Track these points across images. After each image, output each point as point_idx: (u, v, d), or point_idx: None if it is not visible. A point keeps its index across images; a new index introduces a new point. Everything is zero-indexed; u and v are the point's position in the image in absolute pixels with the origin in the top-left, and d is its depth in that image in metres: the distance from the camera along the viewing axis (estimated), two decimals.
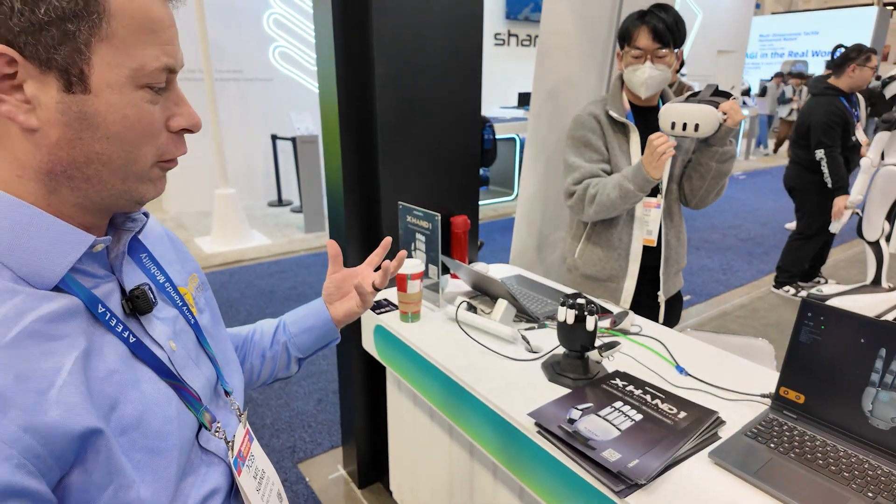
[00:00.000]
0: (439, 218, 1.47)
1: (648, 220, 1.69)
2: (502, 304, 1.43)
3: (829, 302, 3.52)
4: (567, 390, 1.16)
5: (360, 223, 1.75)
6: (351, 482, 2.11)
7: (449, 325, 1.47)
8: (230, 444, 0.66)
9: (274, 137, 6.26)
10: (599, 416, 1.04)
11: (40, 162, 0.50)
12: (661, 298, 1.76)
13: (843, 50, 3.37)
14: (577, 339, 1.19)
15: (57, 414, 0.45)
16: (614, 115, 1.64)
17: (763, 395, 1.14)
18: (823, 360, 1.01)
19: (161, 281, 0.65)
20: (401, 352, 1.45)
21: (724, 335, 1.90)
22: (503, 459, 1.13)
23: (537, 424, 1.03)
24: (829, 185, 3.39)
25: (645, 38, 1.54)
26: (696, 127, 1.48)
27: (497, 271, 1.84)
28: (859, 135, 3.54)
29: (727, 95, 1.55)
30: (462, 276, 1.65)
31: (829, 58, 3.60)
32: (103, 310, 0.54)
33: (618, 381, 1.17)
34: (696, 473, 0.92)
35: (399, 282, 1.46)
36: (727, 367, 1.27)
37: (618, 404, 1.08)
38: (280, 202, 6.63)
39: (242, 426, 0.71)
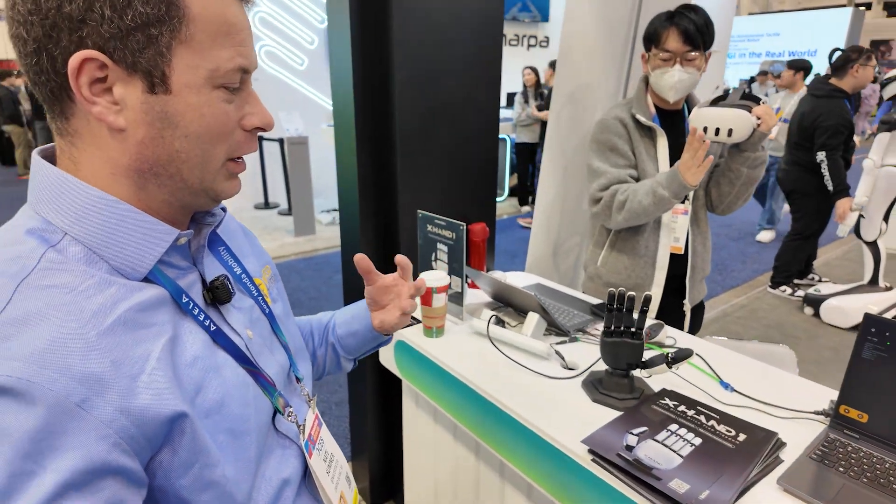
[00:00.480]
0: (464, 228, 1.40)
1: (676, 227, 1.64)
2: (534, 317, 1.36)
3: (828, 301, 3.54)
4: (612, 411, 1.11)
5: (376, 233, 1.67)
6: (362, 500, 2.04)
7: (475, 339, 1.41)
8: (301, 427, 0.69)
9: (260, 138, 6.13)
10: (657, 441, 0.98)
11: (129, 160, 0.53)
12: (687, 307, 1.72)
13: (840, 52, 3.39)
14: (623, 357, 1.13)
15: (147, 398, 0.48)
16: (641, 119, 1.59)
17: (817, 413, 1.10)
18: (889, 377, 0.97)
19: (238, 272, 0.68)
20: (426, 369, 1.38)
21: (743, 342, 1.87)
22: (546, 484, 1.07)
23: (592, 452, 0.97)
24: (830, 188, 3.40)
25: (675, 41, 1.49)
26: (730, 132, 1.43)
27: (515, 280, 1.78)
28: (857, 138, 3.57)
29: (756, 100, 1.51)
30: (483, 286, 1.59)
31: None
32: (187, 299, 0.57)
33: (667, 401, 1.11)
34: (766, 502, 0.87)
35: (423, 295, 1.39)
36: (771, 381, 1.23)
37: (673, 427, 1.02)
38: (267, 205, 6.49)
39: (312, 411, 0.74)
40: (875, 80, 3.57)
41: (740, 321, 3.72)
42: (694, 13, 1.49)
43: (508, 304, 1.57)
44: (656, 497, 0.87)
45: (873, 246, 3.41)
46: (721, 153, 1.63)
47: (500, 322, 1.40)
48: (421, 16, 1.47)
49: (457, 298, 1.48)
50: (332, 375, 0.99)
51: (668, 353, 1.11)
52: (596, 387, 1.17)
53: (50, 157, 0.56)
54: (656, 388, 1.17)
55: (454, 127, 1.61)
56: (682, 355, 1.10)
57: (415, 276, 1.67)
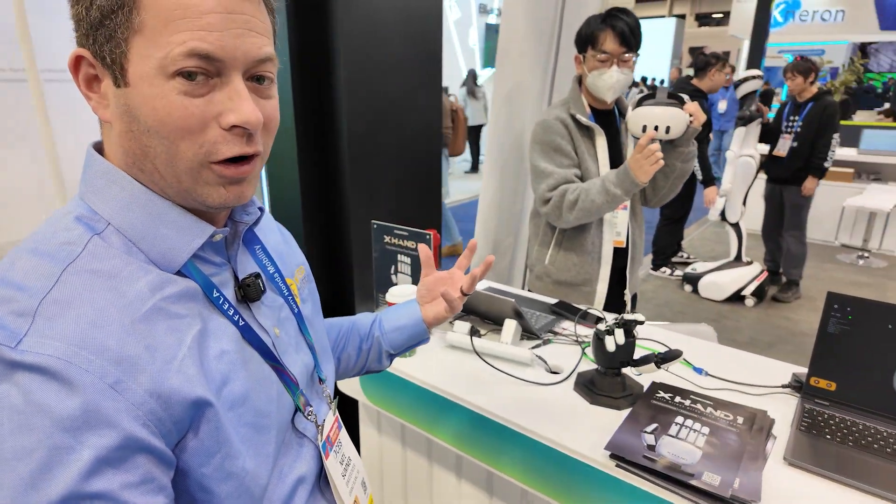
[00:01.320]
0: (431, 237, 1.33)
1: (617, 222, 1.70)
2: (511, 324, 1.33)
3: (704, 278, 3.97)
4: (612, 411, 1.11)
5: (323, 248, 1.52)
6: None
7: (451, 353, 1.34)
8: (320, 427, 0.70)
9: None
10: (672, 436, 0.99)
11: (124, 153, 0.54)
12: (628, 296, 1.80)
13: (702, 56, 3.82)
14: (617, 356, 1.14)
15: (177, 382, 0.50)
16: (581, 118, 1.63)
17: (784, 386, 1.19)
18: (852, 348, 1.07)
19: (271, 272, 0.69)
20: (402, 391, 1.29)
21: (673, 324, 2.01)
22: (563, 495, 1.04)
23: (617, 457, 0.96)
24: (700, 178, 3.82)
25: (612, 43, 1.54)
26: (668, 129, 1.52)
27: None
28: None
29: (680, 99, 1.61)
30: None
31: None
32: (218, 294, 0.58)
33: (662, 394, 1.14)
34: (781, 478, 0.92)
35: None
36: (730, 360, 1.31)
37: (679, 420, 1.04)
38: None
39: (332, 413, 0.75)
40: (728, 86, 4.06)
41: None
42: (626, 15, 1.55)
43: (472, 313, 1.52)
44: (690, 493, 0.88)
45: (736, 227, 3.90)
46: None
47: (475, 332, 1.35)
48: (363, 14, 1.36)
49: None
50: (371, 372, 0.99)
51: (656, 353, 1.14)
52: (590, 388, 1.16)
53: (102, 150, 0.57)
54: (644, 383, 1.19)
55: (400, 129, 1.52)
56: (672, 356, 1.13)
57: (372, 293, 1.55)
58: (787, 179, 3.82)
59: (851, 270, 4.65)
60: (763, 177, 4.05)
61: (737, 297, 3.92)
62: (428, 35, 1.52)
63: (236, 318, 0.59)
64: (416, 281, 1.40)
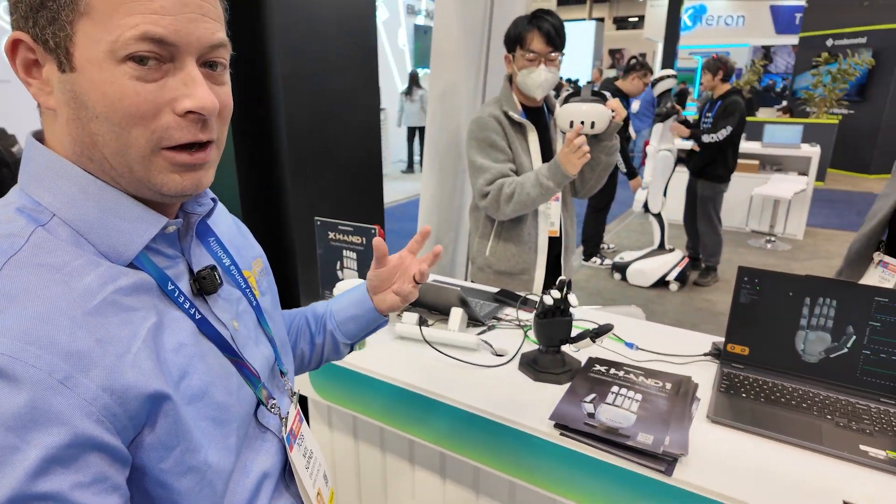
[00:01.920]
0: (376, 231, 1.35)
1: (550, 213, 1.80)
2: (457, 312, 1.38)
3: (632, 266, 4.21)
4: (555, 386, 1.18)
5: (266, 247, 1.51)
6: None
7: (399, 344, 1.37)
8: (284, 420, 0.70)
9: None
10: (609, 404, 1.08)
11: (71, 143, 0.52)
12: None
13: (634, 59, 4.08)
14: (556, 335, 1.22)
15: (132, 376, 0.49)
16: (513, 115, 1.71)
17: (705, 354, 1.31)
18: (761, 316, 1.20)
19: (227, 264, 0.68)
20: (354, 385, 1.31)
21: (606, 307, 2.14)
22: (525, 475, 1.09)
23: (560, 426, 1.03)
24: (624, 171, 4.06)
25: (539, 43, 1.63)
26: (593, 124, 1.62)
27: None
28: (631, 129, 4.35)
29: (603, 96, 1.73)
30: None
31: None
32: (172, 287, 0.57)
33: (598, 367, 1.23)
34: (705, 435, 1.02)
35: None
36: (656, 334, 1.43)
37: (615, 389, 1.13)
38: None
39: (294, 406, 0.75)
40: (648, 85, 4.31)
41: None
42: (551, 16, 1.64)
43: (419, 304, 1.55)
44: (627, 453, 0.96)
45: (658, 217, 4.15)
46: None
47: (423, 322, 1.39)
48: (299, 14, 1.36)
49: None
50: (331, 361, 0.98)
51: (591, 330, 1.22)
52: (533, 367, 1.23)
53: (44, 140, 0.55)
54: (581, 358, 1.28)
55: (340, 127, 1.54)
56: (604, 330, 1.22)
57: (317, 290, 1.55)
58: (698, 172, 4.12)
59: (761, 254, 5.08)
60: (685, 170, 4.34)
61: (662, 283, 4.18)
62: (363, 34, 1.55)
63: (192, 311, 0.58)
64: (362, 275, 1.42)
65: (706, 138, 3.79)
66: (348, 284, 1.31)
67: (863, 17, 8.54)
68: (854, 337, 1.12)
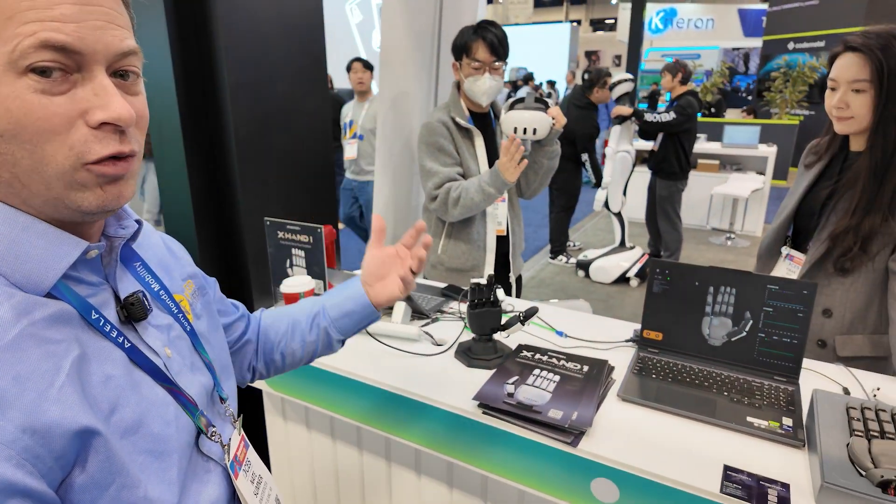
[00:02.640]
0: (322, 230, 1.44)
1: (497, 214, 1.90)
2: (401, 305, 1.47)
3: (594, 263, 4.35)
4: (486, 371, 1.28)
5: (219, 249, 1.59)
6: None
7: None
8: (226, 448, 0.68)
9: None
10: (528, 385, 1.18)
11: None
12: (512, 278, 2.01)
13: (595, 72, 4.23)
14: (487, 324, 1.32)
15: (56, 412, 0.46)
16: (460, 121, 1.81)
17: (627, 340, 1.43)
18: (672, 304, 1.32)
19: (156, 289, 0.65)
20: (304, 376, 1.39)
21: (553, 301, 2.25)
22: (458, 453, 1.18)
23: (483, 406, 1.13)
24: (593, 181, 4.25)
25: (483, 52, 1.73)
26: (535, 131, 1.72)
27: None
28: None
29: (545, 103, 1.84)
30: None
31: None
32: (97, 316, 0.54)
33: (525, 353, 1.33)
34: (614, 411, 1.13)
35: (291, 302, 1.39)
36: (588, 324, 1.54)
37: (536, 372, 1.24)
38: None
39: (238, 432, 0.72)
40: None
41: (535, 289, 4.34)
42: (494, 27, 1.74)
43: None
44: (540, 428, 1.06)
45: (619, 215, 4.30)
46: (526, 150, 1.94)
47: None
48: (246, 27, 1.45)
49: None
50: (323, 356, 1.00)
51: (519, 315, 1.33)
52: (467, 354, 1.33)
53: None
54: (513, 346, 1.38)
55: (289, 131, 1.62)
56: (530, 313, 1.32)
57: (269, 288, 1.63)
58: (656, 170, 4.29)
59: (721, 250, 5.27)
60: (647, 170, 4.50)
61: (623, 279, 4.33)
62: (310, 43, 1.63)
63: (121, 340, 0.55)
64: (311, 272, 1.51)
65: (648, 117, 3.95)
66: (294, 280, 1.40)
67: (821, 22, 8.85)
68: (751, 321, 1.24)
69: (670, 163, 4.13)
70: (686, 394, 1.16)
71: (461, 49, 1.79)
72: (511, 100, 1.87)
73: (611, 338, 1.45)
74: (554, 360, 1.29)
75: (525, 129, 1.74)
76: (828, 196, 1.41)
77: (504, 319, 1.34)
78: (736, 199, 5.32)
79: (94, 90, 0.48)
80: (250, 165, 1.53)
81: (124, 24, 0.52)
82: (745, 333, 1.25)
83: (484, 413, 1.12)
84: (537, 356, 1.31)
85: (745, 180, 5.44)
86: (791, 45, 9.42)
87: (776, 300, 1.22)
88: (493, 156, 1.90)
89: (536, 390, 1.16)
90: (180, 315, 0.68)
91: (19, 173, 0.47)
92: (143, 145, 0.56)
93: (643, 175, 4.69)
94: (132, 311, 0.58)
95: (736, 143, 5.81)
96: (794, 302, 1.20)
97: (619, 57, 20.93)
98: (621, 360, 1.33)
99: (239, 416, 0.76)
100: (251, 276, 1.59)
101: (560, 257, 4.85)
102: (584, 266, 4.44)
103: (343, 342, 0.98)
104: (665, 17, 16.07)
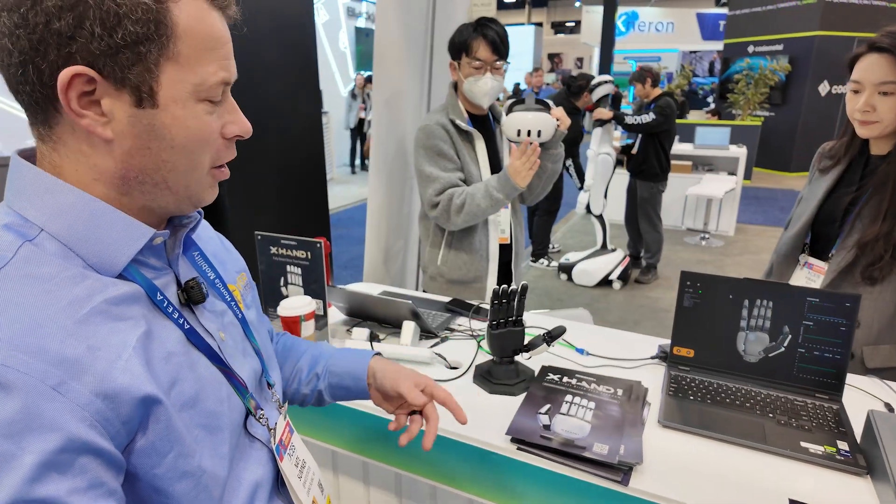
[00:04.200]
0: (321, 245, 1.31)
1: (500, 221, 1.80)
2: (409, 325, 1.35)
3: (577, 266, 4.30)
4: (510, 398, 1.17)
5: None
6: None
7: None
8: (272, 431, 0.71)
9: None
10: (564, 414, 1.08)
11: (115, 168, 0.55)
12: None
13: (578, 80, 4.20)
14: (509, 346, 1.21)
15: (124, 380, 0.50)
16: (460, 124, 1.69)
17: (653, 357, 1.34)
18: (704, 318, 1.24)
19: (211, 277, 0.70)
20: (308, 410, 1.25)
21: (554, 311, 2.16)
22: (484, 491, 1.07)
23: (516, 441, 1.02)
24: (578, 185, 4.22)
25: (485, 51, 1.62)
26: (539, 133, 1.63)
27: (356, 290, 1.72)
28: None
29: (546, 104, 1.74)
30: (339, 301, 1.50)
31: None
32: (161, 297, 0.59)
33: (552, 376, 1.23)
34: (657, 440, 1.04)
35: (289, 326, 1.25)
36: (608, 339, 1.45)
37: (569, 398, 1.13)
38: None
39: (283, 417, 0.76)
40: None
41: None
42: (495, 24, 1.64)
43: (368, 318, 1.51)
44: (583, 464, 0.96)
45: (600, 218, 4.27)
46: None
47: (374, 337, 1.35)
48: (233, 23, 1.30)
49: (319, 322, 1.37)
50: None
51: (543, 334, 1.22)
52: (487, 379, 1.22)
53: (30, 158, 0.57)
54: (534, 367, 1.28)
55: (280, 135, 1.48)
56: (557, 333, 1.22)
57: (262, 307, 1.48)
58: (636, 172, 4.28)
59: (696, 250, 5.32)
60: (626, 172, 4.49)
61: (605, 282, 4.30)
62: (301, 38, 1.49)
63: (181, 321, 0.60)
64: (308, 291, 1.37)
65: (629, 119, 3.94)
66: (293, 302, 1.26)
67: (779, 26, 9.13)
68: (790, 336, 1.17)
69: (651, 164, 4.13)
70: (730, 417, 1.08)
71: (460, 47, 1.68)
72: (509, 101, 1.77)
73: (633, 353, 1.36)
74: (584, 384, 1.19)
75: (529, 132, 1.64)
76: (851, 202, 1.36)
77: (526, 339, 1.24)
78: (710, 199, 5.38)
79: (227, 109, 0.60)
80: (239, 175, 1.37)
81: None
82: (783, 349, 1.18)
83: (518, 449, 1.01)
84: (565, 379, 1.21)
85: (718, 181, 5.51)
86: (751, 49, 9.68)
87: (817, 313, 1.15)
88: (494, 159, 1.80)
89: (574, 420, 1.05)
90: (233, 303, 0.72)
91: (171, 177, 0.57)
92: None
93: (622, 177, 4.68)
94: (191, 295, 0.62)
95: (707, 145, 5.89)
96: (836, 315, 1.13)
97: (581, 59, 21.24)
98: (650, 379, 1.24)
99: (284, 402, 0.79)
100: None
101: (542, 260, 4.80)
102: (567, 269, 4.39)
103: (326, 404, 0.94)
104: (627, 21, 16.35)
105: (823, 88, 8.86)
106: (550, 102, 1.74)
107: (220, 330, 0.66)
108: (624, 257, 4.36)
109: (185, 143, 0.55)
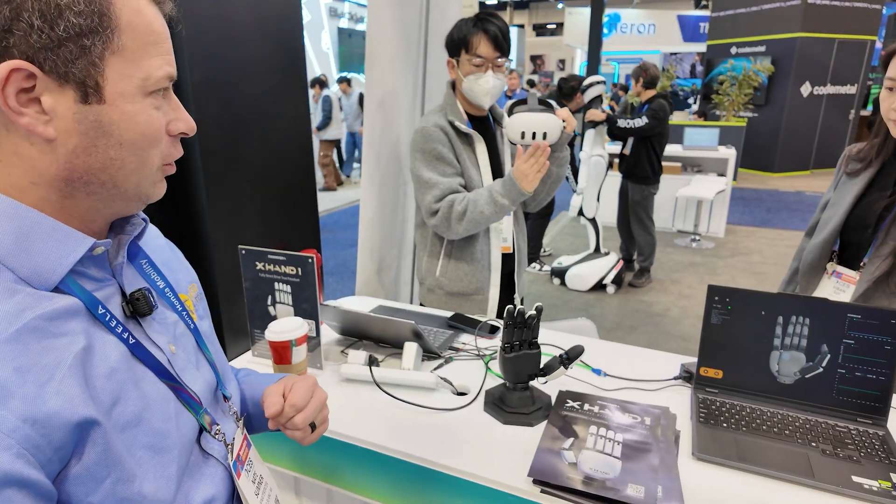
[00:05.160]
0: (314, 260, 1.18)
1: (503, 229, 1.69)
2: (412, 347, 1.23)
3: (570, 270, 4.21)
4: (526, 429, 1.06)
5: None
6: None
7: (345, 388, 1.20)
8: (230, 447, 0.68)
9: None
10: (590, 449, 0.97)
11: (58, 169, 0.52)
12: (517, 300, 1.79)
13: (570, 86, 4.11)
14: (524, 370, 1.10)
15: (56, 404, 0.47)
16: (460, 125, 1.58)
17: (676, 378, 1.24)
18: (733, 336, 1.14)
19: (161, 286, 0.66)
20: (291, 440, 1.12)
21: (556, 322, 2.05)
22: None
23: (541, 483, 0.90)
24: (574, 188, 4.11)
25: (486, 47, 1.51)
26: (545, 135, 1.52)
27: (352, 305, 1.60)
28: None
29: (550, 105, 1.64)
30: (332, 320, 1.38)
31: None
32: (103, 311, 0.55)
33: (571, 403, 1.12)
34: (693, 475, 0.93)
35: (279, 352, 1.12)
36: (623, 357, 1.34)
37: (593, 430, 1.02)
38: None
39: (241, 431, 0.72)
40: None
41: None
42: (496, 19, 1.53)
43: (365, 338, 1.39)
44: None
45: (593, 221, 4.19)
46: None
47: (373, 361, 1.22)
48: (212, 13, 1.17)
49: (311, 343, 1.25)
50: None
51: (561, 356, 1.11)
52: (500, 407, 1.11)
53: None
54: (550, 392, 1.16)
55: (265, 139, 1.34)
56: (575, 354, 1.11)
57: (245, 329, 1.35)
58: (628, 174, 4.21)
59: (688, 252, 5.27)
60: (618, 174, 4.41)
61: (599, 286, 4.22)
62: (287, 34, 1.36)
63: (125, 335, 0.57)
64: (298, 311, 1.24)
65: (621, 122, 3.86)
66: (283, 324, 1.13)
67: (761, 27, 9.19)
68: (829, 356, 1.08)
69: (643, 167, 4.06)
70: (770, 447, 0.98)
71: (459, 44, 1.56)
72: (511, 102, 1.66)
73: (653, 373, 1.26)
74: (607, 412, 1.08)
75: (534, 134, 1.53)
76: (885, 207, 1.27)
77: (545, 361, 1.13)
78: (700, 200, 5.34)
79: (172, 106, 0.58)
80: (218, 182, 1.24)
81: None
82: (821, 369, 1.08)
83: (543, 492, 0.90)
84: (587, 406, 1.10)
85: (708, 182, 5.47)
86: (734, 50, 9.73)
87: (859, 331, 1.06)
88: (495, 163, 1.69)
89: (602, 457, 0.94)
90: (185, 313, 0.68)
91: (120, 176, 0.54)
92: None
93: (614, 179, 4.60)
94: (137, 307, 0.59)
95: (696, 146, 5.85)
96: (880, 333, 1.04)
97: (563, 61, 21.28)
98: (675, 402, 1.14)
99: (242, 415, 0.75)
100: (222, 315, 1.30)
101: (534, 265, 4.70)
102: (560, 274, 4.30)
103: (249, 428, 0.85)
104: (609, 23, 16.39)
105: (805, 89, 8.94)
106: (553, 103, 1.63)
107: (170, 342, 0.63)
108: (618, 261, 4.29)
109: (134, 140, 0.53)
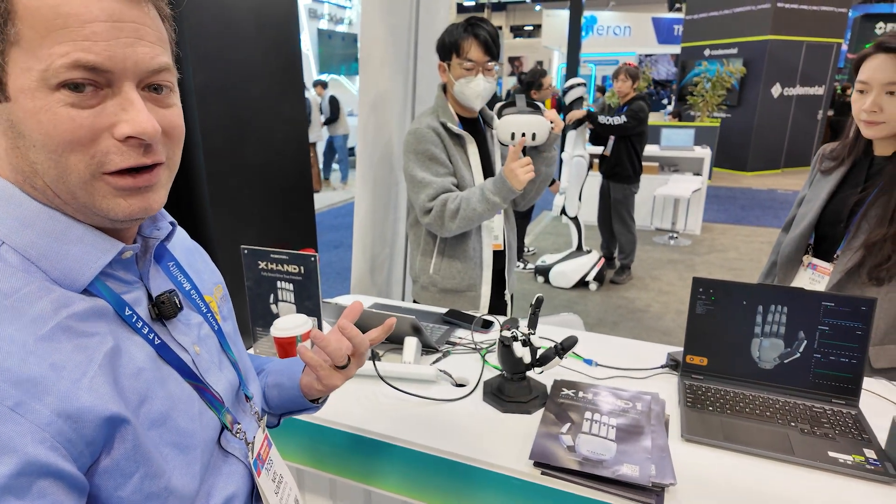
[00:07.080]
0: (317, 259, 1.22)
1: (494, 227, 1.74)
2: (412, 341, 1.27)
3: (554, 268, 4.29)
4: (525, 416, 1.11)
5: None
6: None
7: (349, 382, 1.23)
8: (250, 445, 0.69)
9: None
10: (586, 433, 1.02)
11: (11, 171, 0.51)
12: (508, 296, 1.85)
13: (535, 73, 4.16)
14: (522, 362, 1.14)
15: (88, 399, 0.48)
16: (452, 127, 1.63)
17: (663, 366, 1.31)
18: (717, 325, 1.21)
19: (187, 288, 0.67)
20: (299, 434, 1.16)
21: (541, 318, 2.10)
22: None
23: (541, 465, 0.95)
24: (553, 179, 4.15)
25: (476, 51, 1.56)
26: (534, 136, 1.58)
27: (348, 303, 1.63)
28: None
29: (537, 107, 1.70)
30: (333, 318, 1.41)
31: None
32: (130, 313, 0.56)
33: (566, 391, 1.17)
34: (682, 455, 0.99)
35: (284, 348, 1.16)
36: (612, 348, 1.41)
37: (588, 415, 1.08)
38: None
39: (262, 430, 0.74)
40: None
41: None
42: (486, 24, 1.58)
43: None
44: (615, 487, 0.90)
45: (575, 220, 4.27)
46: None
47: (374, 355, 1.26)
48: (214, 19, 1.20)
49: None
50: None
51: (556, 346, 1.16)
52: (499, 397, 1.15)
53: None
54: (545, 381, 1.22)
55: (264, 140, 1.37)
56: (569, 344, 1.16)
57: (248, 328, 1.37)
58: (610, 175, 4.30)
59: (666, 250, 5.40)
60: (599, 174, 4.50)
61: (582, 283, 4.30)
62: (285, 39, 1.40)
63: (151, 336, 0.58)
64: (300, 308, 1.27)
65: (602, 119, 3.93)
66: (287, 322, 1.16)
67: (733, 30, 9.44)
68: (805, 341, 1.15)
69: (624, 167, 4.15)
70: (753, 428, 1.05)
71: (451, 48, 1.61)
72: (500, 104, 1.71)
73: (641, 362, 1.32)
74: (601, 399, 1.14)
75: (524, 134, 1.59)
76: (856, 203, 1.35)
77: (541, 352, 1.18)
78: (677, 199, 5.47)
79: (121, 105, 0.50)
80: (220, 182, 1.27)
81: (157, 39, 0.52)
82: (798, 355, 1.16)
83: (543, 474, 0.95)
84: (581, 394, 1.16)
85: (685, 181, 5.62)
86: (707, 52, 9.97)
87: (832, 318, 1.13)
88: (486, 163, 1.74)
89: (598, 440, 1.00)
90: (209, 315, 0.69)
91: (49, 181, 0.50)
92: (177, 155, 0.57)
93: (595, 179, 4.70)
94: (163, 309, 0.60)
95: (673, 146, 6.00)
96: (852, 319, 1.12)
97: (541, 63, 21.52)
98: (663, 389, 1.21)
99: (263, 415, 0.77)
100: None
101: (518, 263, 4.77)
102: (544, 272, 4.38)
103: (278, 420, 0.89)
104: (586, 25, 16.60)
105: (776, 91, 9.21)
106: (541, 105, 1.69)
107: (194, 343, 0.64)
108: (599, 258, 4.38)
109: (44, 142, 0.48)
